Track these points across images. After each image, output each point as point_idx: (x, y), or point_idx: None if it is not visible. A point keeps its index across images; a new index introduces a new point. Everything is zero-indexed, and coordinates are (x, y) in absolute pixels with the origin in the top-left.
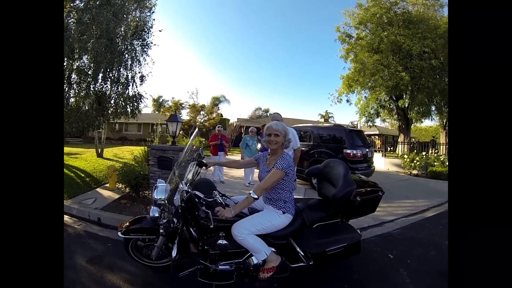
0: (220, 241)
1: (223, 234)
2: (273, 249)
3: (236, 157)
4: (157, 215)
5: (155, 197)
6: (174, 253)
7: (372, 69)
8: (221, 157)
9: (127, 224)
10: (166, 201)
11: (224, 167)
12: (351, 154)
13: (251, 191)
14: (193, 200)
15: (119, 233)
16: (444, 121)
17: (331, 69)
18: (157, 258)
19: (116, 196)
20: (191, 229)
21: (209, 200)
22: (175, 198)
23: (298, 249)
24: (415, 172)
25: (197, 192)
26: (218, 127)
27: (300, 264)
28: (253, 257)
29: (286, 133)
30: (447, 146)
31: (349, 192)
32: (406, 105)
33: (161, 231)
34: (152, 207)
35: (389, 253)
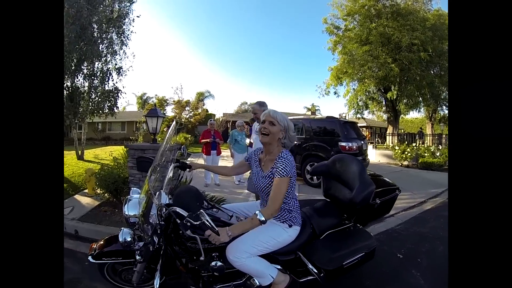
0: (213, 263)
1: (217, 254)
2: (279, 267)
3: (224, 152)
4: (129, 239)
5: (127, 213)
6: (157, 283)
7: (361, 60)
8: (215, 156)
9: (100, 244)
10: (141, 218)
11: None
12: (347, 147)
13: (257, 212)
14: (174, 218)
15: (90, 258)
16: (430, 112)
17: (318, 61)
18: (140, 282)
19: (96, 203)
20: (176, 248)
21: (195, 223)
22: (151, 214)
23: (310, 266)
24: (406, 163)
25: (177, 209)
26: (211, 121)
27: (309, 278)
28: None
29: (286, 127)
30: (434, 137)
31: (369, 194)
32: (395, 97)
33: (137, 257)
34: (122, 229)
35: (397, 252)
